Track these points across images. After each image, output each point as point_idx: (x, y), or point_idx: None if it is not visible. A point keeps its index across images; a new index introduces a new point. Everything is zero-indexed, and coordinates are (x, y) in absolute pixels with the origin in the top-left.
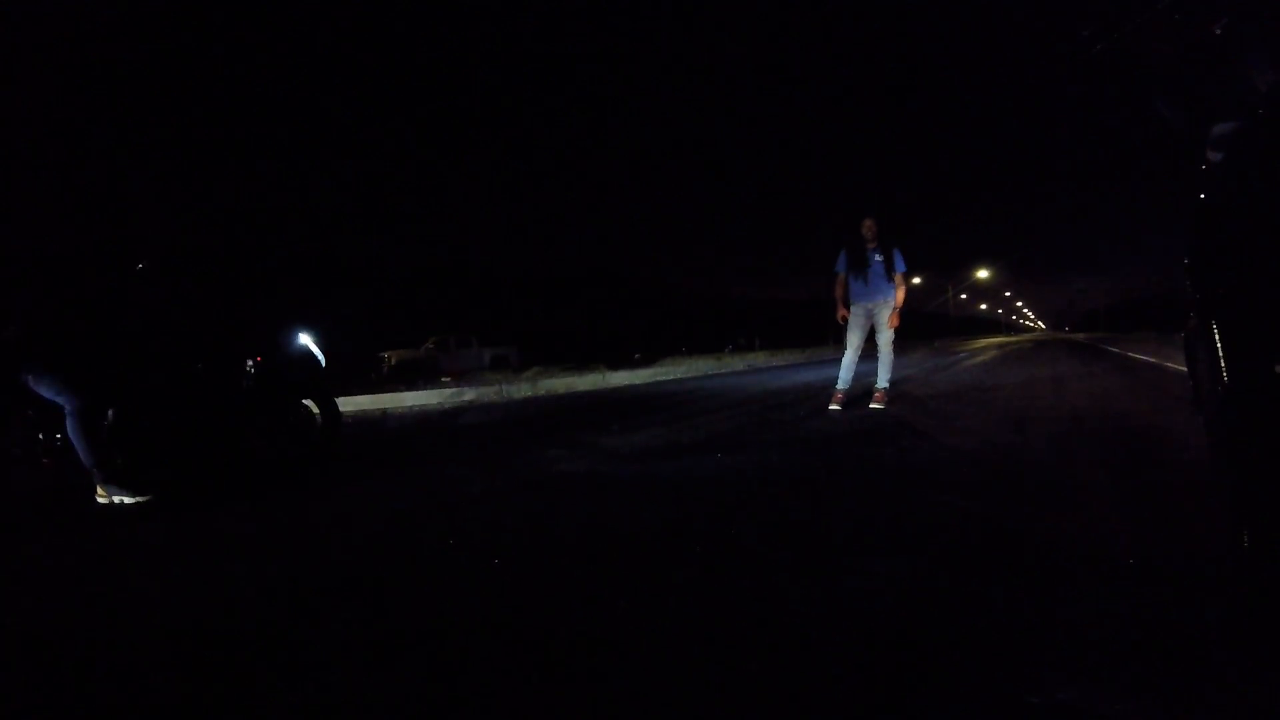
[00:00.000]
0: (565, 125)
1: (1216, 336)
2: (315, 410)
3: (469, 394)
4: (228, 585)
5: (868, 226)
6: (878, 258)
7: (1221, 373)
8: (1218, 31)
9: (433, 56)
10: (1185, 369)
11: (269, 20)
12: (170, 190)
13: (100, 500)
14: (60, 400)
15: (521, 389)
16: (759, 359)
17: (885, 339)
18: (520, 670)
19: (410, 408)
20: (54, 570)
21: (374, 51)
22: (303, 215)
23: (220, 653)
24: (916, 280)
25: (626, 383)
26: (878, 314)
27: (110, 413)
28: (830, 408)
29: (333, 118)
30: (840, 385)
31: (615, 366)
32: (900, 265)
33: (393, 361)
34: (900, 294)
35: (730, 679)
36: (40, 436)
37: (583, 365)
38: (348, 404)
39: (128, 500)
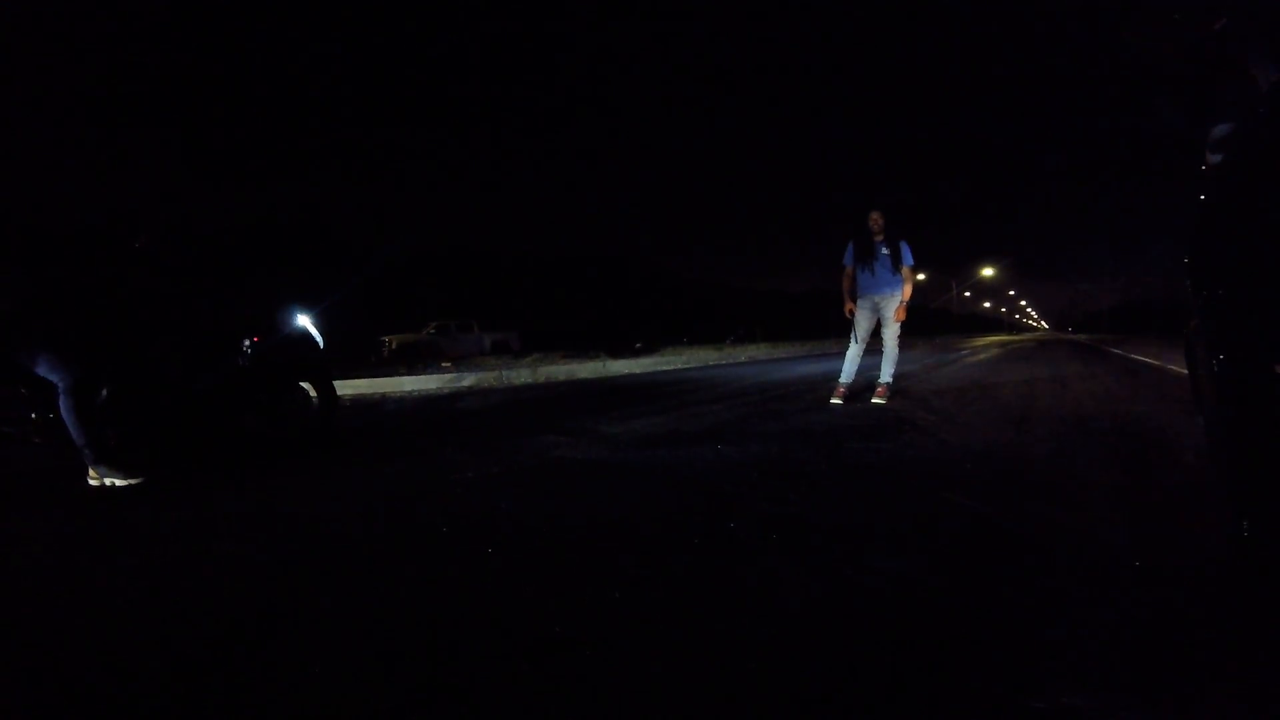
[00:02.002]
0: (571, 111)
1: (1217, 336)
2: (312, 393)
3: (469, 379)
4: (217, 570)
5: (874, 219)
6: (884, 250)
7: (1222, 373)
8: (1218, 31)
9: (436, 36)
10: (1186, 371)
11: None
12: (170, 169)
13: (91, 482)
14: (53, 377)
15: (521, 375)
16: (760, 351)
17: (891, 333)
18: (508, 662)
19: (409, 392)
20: (40, 553)
21: (376, 31)
22: (305, 196)
23: (208, 638)
24: (921, 276)
25: (627, 371)
26: (884, 307)
27: (104, 391)
28: (832, 401)
29: (336, 98)
30: (843, 379)
31: (616, 355)
32: (908, 258)
33: (393, 345)
34: (907, 288)
35: (726, 675)
36: (33, 415)
37: (584, 352)
38: (346, 387)
39: (119, 482)
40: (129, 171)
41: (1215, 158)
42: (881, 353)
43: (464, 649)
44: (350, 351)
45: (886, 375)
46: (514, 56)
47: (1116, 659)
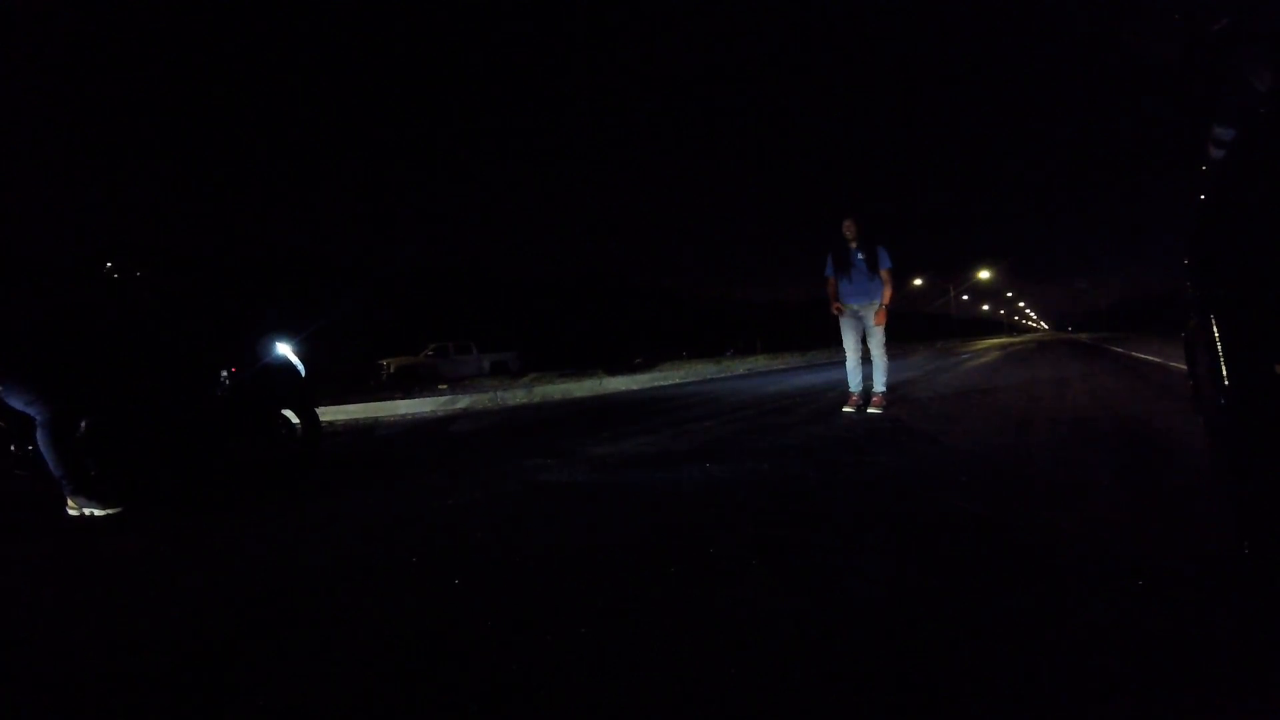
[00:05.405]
0: (566, 129)
1: (1216, 336)
2: (295, 420)
3: (463, 401)
4: (187, 600)
5: (847, 226)
6: (860, 256)
7: (1221, 373)
8: (1217, 32)
9: (432, 56)
10: (1186, 367)
11: (264, 15)
12: (157, 195)
13: (71, 512)
14: (31, 411)
15: (517, 396)
16: (759, 362)
17: (876, 342)
18: (466, 702)
19: (404, 415)
20: (15, 583)
21: (372, 51)
22: (303, 219)
23: (173, 668)
24: (918, 281)
25: (624, 388)
26: (865, 315)
27: (83, 424)
28: (844, 410)
29: (332, 119)
30: (852, 388)
31: (614, 372)
32: (885, 262)
33: (391, 369)
34: (887, 291)
35: (696, 706)
36: (12, 448)
37: (581, 371)
38: (340, 412)
39: (98, 512)
40: (106, 190)
41: (1216, 154)
42: (871, 363)
43: (416, 689)
44: (349, 375)
45: (879, 384)
46: (514, 74)
47: (1117, 660)
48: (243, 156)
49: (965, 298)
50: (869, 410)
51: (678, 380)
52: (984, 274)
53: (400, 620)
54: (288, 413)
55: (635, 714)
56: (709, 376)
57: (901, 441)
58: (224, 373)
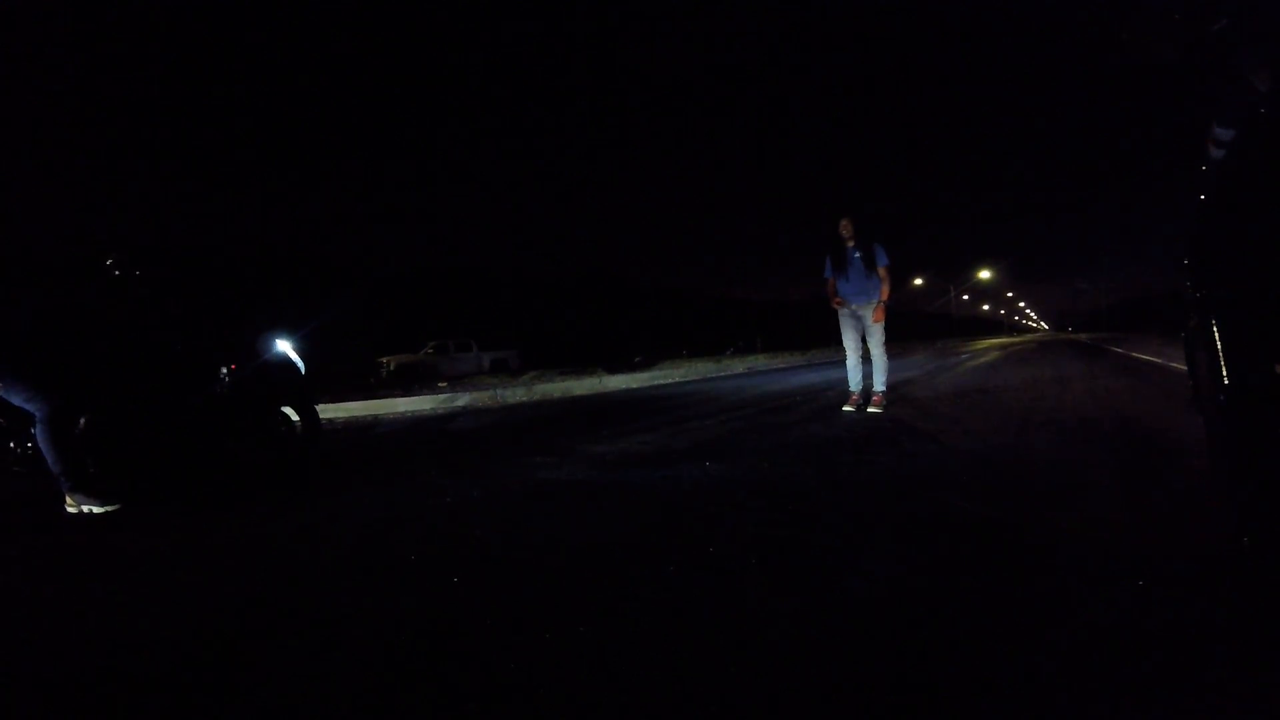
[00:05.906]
0: (567, 128)
1: (1216, 336)
2: (295, 418)
3: (463, 399)
4: (188, 600)
5: (844, 225)
6: (857, 255)
7: (1221, 373)
8: (1217, 32)
9: (432, 54)
10: (1185, 368)
11: (265, 14)
12: (157, 195)
13: (69, 509)
14: (30, 408)
15: (516, 393)
16: (760, 361)
17: (876, 340)
18: (466, 702)
19: (404, 413)
20: (13, 580)
21: (371, 49)
22: (303, 219)
23: (169, 667)
24: (918, 281)
25: (624, 386)
26: (864, 314)
27: (82, 421)
28: (844, 409)
29: (332, 119)
30: (852, 387)
31: (614, 370)
32: (882, 259)
33: (391, 366)
34: (884, 288)
35: (695, 706)
36: (11, 445)
37: (581, 369)
38: (340, 410)
39: (96, 509)
40: (106, 189)
41: (1216, 154)
42: (871, 362)
43: (416, 689)
44: (349, 373)
45: (879, 384)
46: (514, 72)
47: (1117, 660)
48: (243, 155)
49: (965, 298)
50: (869, 409)
51: (677, 379)
52: (984, 274)
53: (400, 619)
54: (287, 410)
55: (635, 714)
56: (709, 375)
57: (902, 441)
58: (223, 370)
